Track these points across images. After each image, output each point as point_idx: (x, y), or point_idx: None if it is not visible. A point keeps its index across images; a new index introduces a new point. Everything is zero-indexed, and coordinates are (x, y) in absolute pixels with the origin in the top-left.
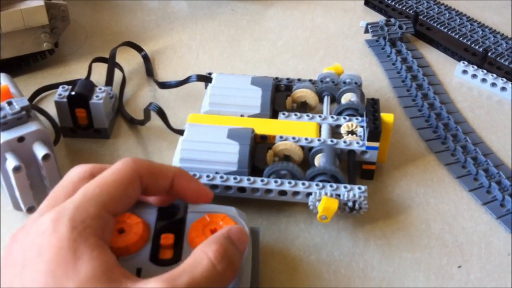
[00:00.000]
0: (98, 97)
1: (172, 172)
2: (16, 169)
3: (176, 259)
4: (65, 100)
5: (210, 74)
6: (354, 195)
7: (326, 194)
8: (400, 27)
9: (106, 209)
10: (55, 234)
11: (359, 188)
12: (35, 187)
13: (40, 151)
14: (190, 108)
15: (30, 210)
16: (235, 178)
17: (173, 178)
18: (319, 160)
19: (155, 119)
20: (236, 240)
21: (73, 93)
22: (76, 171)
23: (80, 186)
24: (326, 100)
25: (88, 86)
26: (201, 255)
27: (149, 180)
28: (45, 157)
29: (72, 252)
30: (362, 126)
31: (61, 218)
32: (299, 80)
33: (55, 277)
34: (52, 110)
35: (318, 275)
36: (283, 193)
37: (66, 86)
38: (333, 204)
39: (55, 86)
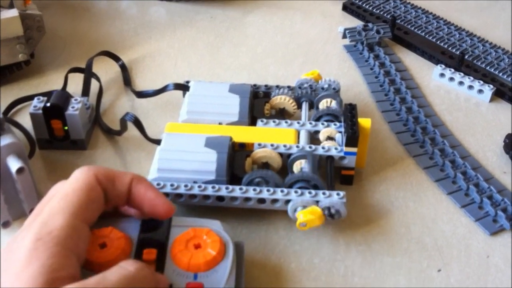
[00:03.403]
0: (74, 108)
1: (129, 177)
2: None
3: None
4: (40, 111)
5: (187, 82)
6: (334, 201)
7: (305, 201)
8: (378, 32)
9: (77, 218)
10: (19, 249)
11: (338, 194)
12: (10, 201)
13: (14, 164)
14: (169, 117)
15: (5, 224)
16: (213, 187)
17: (130, 183)
18: (298, 167)
19: (133, 129)
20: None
21: (48, 104)
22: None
23: None
24: (305, 106)
25: (63, 97)
26: (114, 266)
27: (107, 185)
28: (19, 170)
29: (28, 259)
30: (340, 132)
31: (28, 234)
32: (277, 86)
33: (7, 284)
34: (28, 122)
35: (299, 283)
36: (262, 201)
37: (42, 98)
38: (318, 219)
39: (31, 97)
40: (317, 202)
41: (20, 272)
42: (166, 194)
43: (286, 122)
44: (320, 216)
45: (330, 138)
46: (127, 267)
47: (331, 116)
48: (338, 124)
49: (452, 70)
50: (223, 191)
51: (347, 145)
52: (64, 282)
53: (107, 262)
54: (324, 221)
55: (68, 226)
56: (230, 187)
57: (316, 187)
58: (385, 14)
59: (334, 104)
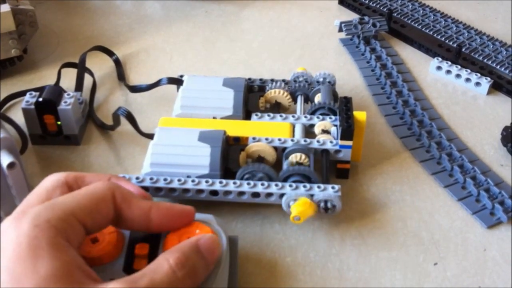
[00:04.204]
0: (67, 103)
1: (148, 205)
2: None
3: None
4: (32, 107)
5: (181, 76)
6: (329, 195)
7: (300, 195)
8: (374, 25)
9: (75, 217)
10: (15, 230)
11: (333, 188)
12: (1, 196)
13: (5, 159)
14: (163, 111)
15: None
16: (207, 182)
17: (149, 209)
18: (293, 161)
19: (126, 124)
20: (205, 250)
21: (40, 99)
22: (50, 180)
23: (54, 193)
24: (300, 100)
25: (56, 92)
26: (163, 261)
27: (123, 204)
28: (10, 165)
29: (32, 249)
30: (335, 125)
31: (24, 216)
32: (272, 80)
33: (14, 276)
34: (21, 117)
35: (294, 277)
36: (256, 195)
37: (34, 93)
38: (310, 209)
39: (23, 93)
40: (311, 195)
41: (28, 262)
42: (159, 189)
43: (281, 116)
44: (310, 204)
45: (325, 131)
46: (176, 270)
47: (326, 110)
48: (333, 117)
49: (449, 63)
50: (217, 185)
51: (342, 138)
52: (80, 273)
53: (98, 257)
54: (316, 210)
55: (65, 220)
56: (224, 181)
57: (310, 181)
58: (381, 8)
59: (329, 97)
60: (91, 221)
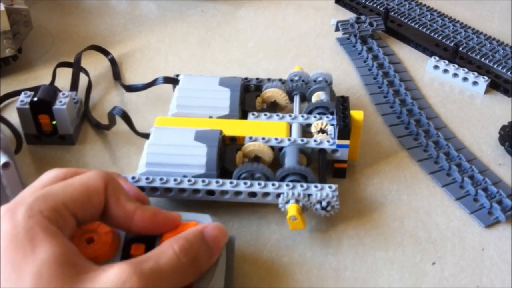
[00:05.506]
0: (62, 103)
1: (134, 207)
2: None
3: None
4: (27, 106)
5: (177, 75)
6: (326, 194)
7: (297, 194)
8: (371, 24)
9: (66, 208)
10: (10, 221)
11: (330, 187)
12: None
13: None
14: (159, 111)
15: None
16: (203, 181)
17: (134, 212)
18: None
19: (122, 123)
20: (210, 239)
21: (35, 99)
22: (49, 175)
23: None
24: (296, 99)
25: (51, 92)
26: (167, 247)
27: (112, 198)
28: (5, 165)
29: (29, 239)
30: (332, 125)
31: (18, 207)
32: (269, 79)
33: (13, 263)
34: (16, 117)
35: (291, 277)
36: (253, 194)
37: (29, 92)
38: (299, 224)
39: (18, 93)
40: (309, 195)
41: (27, 249)
42: (155, 189)
43: (277, 115)
44: (299, 222)
45: (322, 131)
46: (180, 256)
47: (323, 109)
48: (330, 117)
49: (446, 62)
50: (213, 185)
51: (339, 137)
52: (79, 257)
53: (94, 257)
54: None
55: (57, 211)
56: (221, 181)
57: (307, 180)
58: (378, 7)
59: (326, 96)
60: (82, 212)
